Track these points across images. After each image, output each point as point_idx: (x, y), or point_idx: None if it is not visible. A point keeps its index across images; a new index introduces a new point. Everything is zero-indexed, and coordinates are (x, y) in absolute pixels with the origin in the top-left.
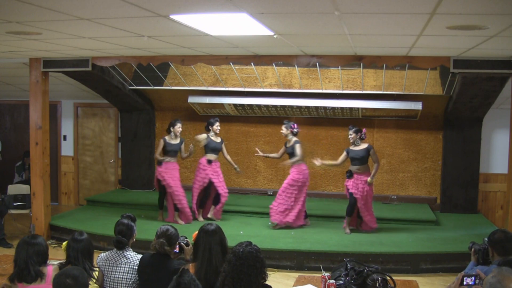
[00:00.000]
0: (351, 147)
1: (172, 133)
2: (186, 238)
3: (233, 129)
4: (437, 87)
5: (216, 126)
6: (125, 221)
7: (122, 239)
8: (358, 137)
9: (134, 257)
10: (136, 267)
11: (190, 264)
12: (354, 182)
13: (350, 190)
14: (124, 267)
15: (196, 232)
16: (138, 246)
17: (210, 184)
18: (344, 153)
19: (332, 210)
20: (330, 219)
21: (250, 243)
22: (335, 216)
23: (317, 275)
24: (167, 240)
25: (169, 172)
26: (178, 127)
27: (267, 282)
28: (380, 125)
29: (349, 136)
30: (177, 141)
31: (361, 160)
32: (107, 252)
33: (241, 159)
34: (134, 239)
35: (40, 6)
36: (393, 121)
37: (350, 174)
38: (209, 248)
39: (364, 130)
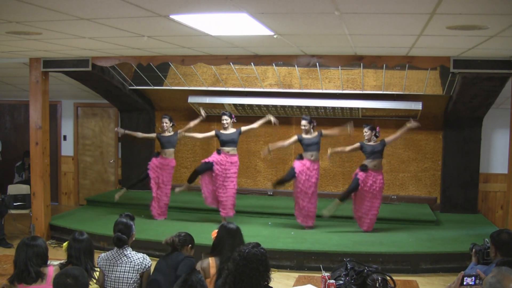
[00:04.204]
0: (366, 143)
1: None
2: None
3: None
4: (437, 87)
5: (222, 120)
6: (124, 220)
7: (121, 237)
8: (373, 134)
9: (134, 256)
10: (137, 266)
11: (210, 259)
12: (367, 176)
13: (360, 181)
14: (125, 266)
15: (216, 230)
16: (138, 246)
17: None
18: (357, 144)
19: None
20: (330, 219)
21: (258, 245)
22: (335, 216)
23: (317, 275)
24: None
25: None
26: (162, 123)
27: None
28: (380, 125)
29: (365, 134)
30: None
31: (380, 154)
32: (108, 252)
33: (241, 159)
34: (134, 238)
35: (40, 6)
36: (393, 121)
37: (365, 168)
38: (232, 246)
39: (378, 128)
